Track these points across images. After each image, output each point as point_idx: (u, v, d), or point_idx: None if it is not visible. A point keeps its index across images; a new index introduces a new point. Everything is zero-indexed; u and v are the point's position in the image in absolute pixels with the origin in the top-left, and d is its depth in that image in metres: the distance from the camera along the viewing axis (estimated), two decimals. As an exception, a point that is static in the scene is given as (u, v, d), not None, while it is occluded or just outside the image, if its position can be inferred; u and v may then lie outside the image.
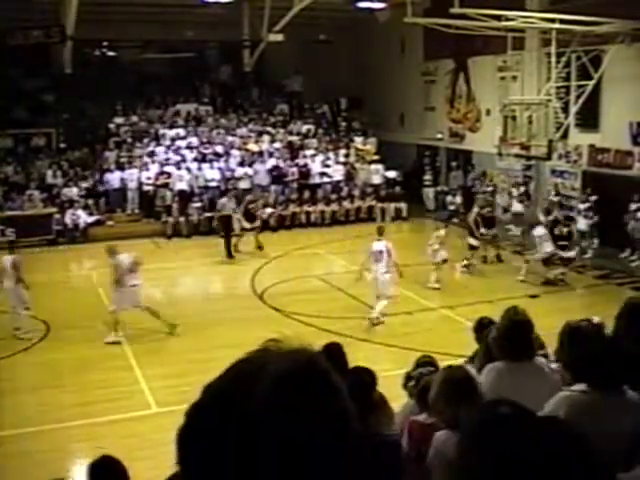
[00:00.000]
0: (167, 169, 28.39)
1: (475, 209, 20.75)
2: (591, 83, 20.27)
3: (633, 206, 20.41)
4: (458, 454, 1.46)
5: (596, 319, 8.57)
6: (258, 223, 24.57)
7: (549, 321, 8.43)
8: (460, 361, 8.02)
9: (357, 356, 7.45)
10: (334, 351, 6.77)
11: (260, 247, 23.83)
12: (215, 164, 28.96)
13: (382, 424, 5.73)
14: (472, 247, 21.02)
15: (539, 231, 19.41)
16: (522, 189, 25.32)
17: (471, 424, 1.50)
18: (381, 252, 16.00)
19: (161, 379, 13.11)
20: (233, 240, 23.48)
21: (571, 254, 19.39)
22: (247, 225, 24.13)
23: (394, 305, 17.31)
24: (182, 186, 27.85)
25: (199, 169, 28.66)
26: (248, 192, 28.04)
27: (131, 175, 27.87)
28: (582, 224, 21.53)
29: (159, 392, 12.43)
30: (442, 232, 19.55)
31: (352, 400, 4.34)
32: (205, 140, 30.46)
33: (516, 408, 1.58)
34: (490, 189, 26.21)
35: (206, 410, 1.30)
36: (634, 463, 3.99)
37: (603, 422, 4.48)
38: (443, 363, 7.89)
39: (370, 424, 5.14)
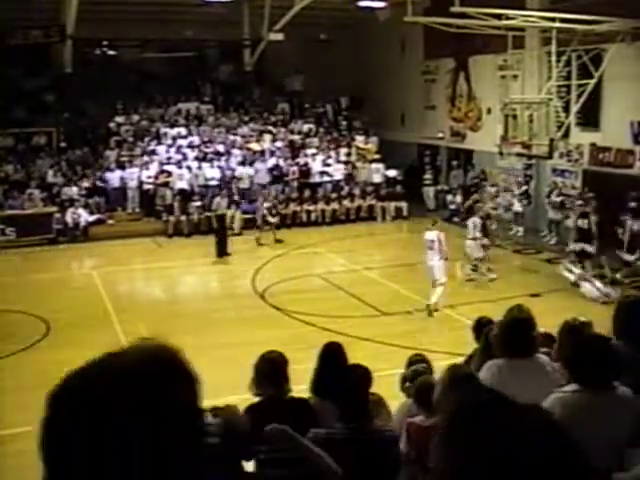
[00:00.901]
0: (167, 168, 28.41)
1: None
2: (592, 82, 20.25)
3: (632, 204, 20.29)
4: (439, 439, 1.45)
5: (582, 318, 8.57)
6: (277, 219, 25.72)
7: (551, 320, 8.42)
8: (460, 360, 8.02)
9: (357, 355, 7.43)
10: (334, 350, 6.76)
11: (279, 240, 24.79)
12: (215, 163, 28.97)
13: (373, 422, 5.76)
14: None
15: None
16: (523, 188, 25.31)
17: (451, 412, 1.50)
18: (432, 241, 16.90)
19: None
20: (256, 234, 24.79)
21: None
22: (272, 219, 25.34)
23: (394, 304, 17.36)
24: (182, 185, 27.86)
25: (199, 168, 28.67)
26: (247, 191, 28.20)
27: (132, 174, 27.90)
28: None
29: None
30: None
31: (347, 397, 4.29)
32: (206, 139, 30.49)
33: (497, 395, 1.57)
34: (494, 190, 26.03)
35: (60, 404, 1.33)
36: (632, 462, 4.00)
37: (596, 421, 4.51)
38: (443, 362, 7.89)
39: (364, 420, 5.16)
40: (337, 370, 6.10)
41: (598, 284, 17.75)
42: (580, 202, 21.01)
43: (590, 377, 4.60)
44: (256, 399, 6.12)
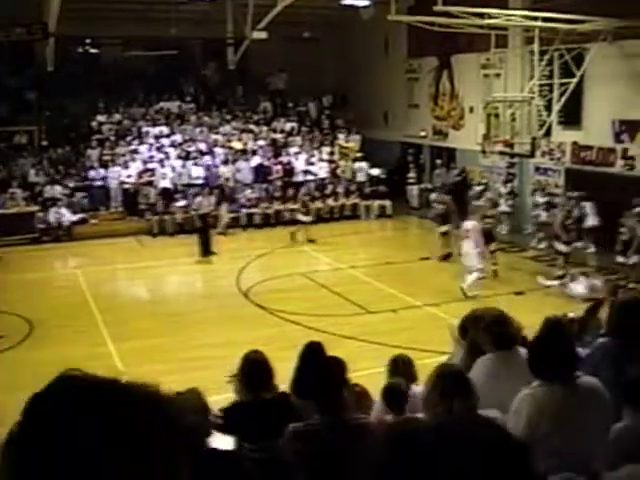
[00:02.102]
0: (151, 167, 28.36)
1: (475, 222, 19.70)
2: (574, 81, 20.35)
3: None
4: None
5: (571, 314, 8.67)
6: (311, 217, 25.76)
7: (534, 318, 8.46)
8: (444, 358, 8.05)
9: (341, 353, 7.42)
10: (314, 350, 6.79)
11: (311, 240, 24.72)
12: (200, 162, 28.95)
13: (351, 411, 5.82)
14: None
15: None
16: (509, 186, 25.40)
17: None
18: (468, 230, 18.06)
19: (147, 378, 13.02)
20: (293, 230, 24.98)
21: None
22: (304, 218, 25.31)
23: (379, 302, 17.41)
24: (166, 184, 27.83)
25: (183, 167, 28.64)
26: (235, 189, 28.22)
27: (114, 173, 27.84)
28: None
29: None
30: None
31: (322, 388, 4.31)
32: (188, 138, 30.44)
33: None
34: (480, 188, 26.05)
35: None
36: (618, 461, 4.04)
37: (564, 415, 4.61)
38: (428, 361, 7.94)
39: (342, 411, 5.23)
40: (318, 369, 6.13)
41: (582, 280, 17.83)
42: (565, 201, 21.16)
43: (548, 371, 4.72)
44: (240, 399, 6.16)
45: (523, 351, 5.91)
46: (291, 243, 24.43)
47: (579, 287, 17.61)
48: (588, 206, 19.68)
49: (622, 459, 1.85)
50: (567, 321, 8.31)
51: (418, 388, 6.83)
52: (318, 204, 28.55)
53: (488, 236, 19.54)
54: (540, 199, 23.21)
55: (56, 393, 1.32)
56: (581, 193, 21.49)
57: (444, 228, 21.86)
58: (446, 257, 21.66)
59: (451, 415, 4.35)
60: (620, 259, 18.61)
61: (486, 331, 6.10)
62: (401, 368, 6.96)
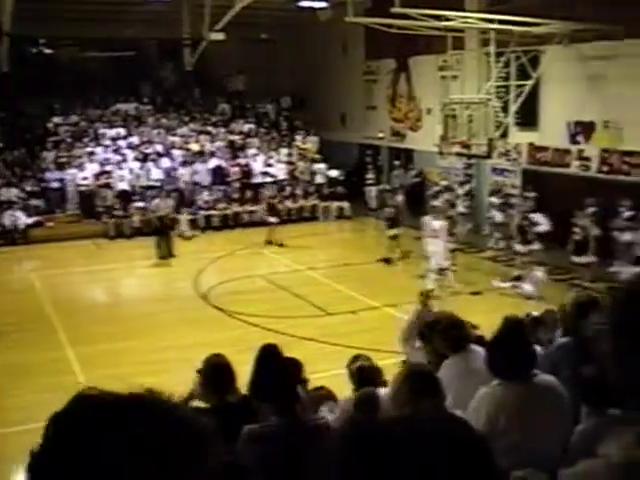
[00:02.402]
0: (108, 169, 28.12)
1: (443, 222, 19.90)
2: (530, 83, 20.53)
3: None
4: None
5: (535, 313, 8.76)
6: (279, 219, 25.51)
7: (491, 317, 8.52)
8: (404, 358, 8.07)
9: (301, 355, 7.42)
10: (271, 352, 6.77)
11: (280, 244, 24.48)
12: (158, 163, 28.78)
13: (309, 412, 5.84)
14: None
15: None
16: (467, 187, 25.56)
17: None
18: (436, 230, 18.63)
19: (106, 382, 12.76)
20: (267, 234, 24.67)
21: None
22: (272, 220, 25.01)
23: (338, 304, 17.43)
24: (124, 186, 27.62)
25: (141, 169, 28.44)
26: (192, 192, 28.10)
27: (71, 175, 27.56)
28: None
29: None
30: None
31: (278, 389, 4.29)
32: (146, 140, 30.24)
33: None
34: (437, 189, 26.25)
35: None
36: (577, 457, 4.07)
37: (523, 412, 4.67)
38: (387, 361, 7.95)
39: (298, 412, 5.23)
40: (274, 371, 6.12)
41: (527, 277, 18.04)
42: (522, 201, 21.36)
43: (507, 370, 4.77)
44: (202, 403, 6.12)
45: (478, 349, 6.02)
46: (250, 245, 24.39)
47: (527, 286, 17.83)
48: (537, 216, 19.83)
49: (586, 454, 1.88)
50: (530, 320, 8.40)
51: (383, 391, 6.86)
52: (277, 205, 28.53)
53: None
54: (496, 200, 23.39)
55: (75, 412, 1.38)
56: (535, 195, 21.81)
57: (393, 232, 21.91)
58: (387, 260, 21.74)
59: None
60: (574, 259, 18.81)
61: (443, 336, 6.29)
62: (367, 375, 6.95)
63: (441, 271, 19.03)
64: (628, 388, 1.77)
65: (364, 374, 6.87)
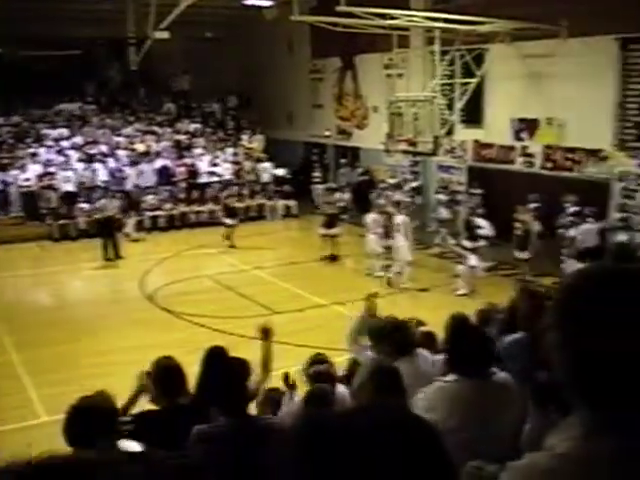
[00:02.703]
0: (53, 170, 27.71)
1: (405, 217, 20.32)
2: (474, 81, 20.68)
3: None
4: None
5: (483, 308, 8.80)
6: (237, 221, 25.11)
7: (439, 314, 8.56)
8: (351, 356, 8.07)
9: (249, 355, 7.36)
10: (217, 354, 6.71)
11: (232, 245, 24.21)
12: (103, 164, 28.43)
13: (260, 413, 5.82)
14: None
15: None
16: (413, 184, 25.72)
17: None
18: (399, 224, 18.86)
19: (52, 386, 12.61)
20: (225, 235, 24.37)
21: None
22: (229, 221, 24.67)
23: (286, 303, 17.40)
24: (68, 187, 27.24)
25: (85, 169, 28.08)
26: (138, 192, 27.84)
27: (13, 177, 27.10)
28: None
29: (50, 400, 11.98)
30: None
31: (227, 390, 4.27)
32: (90, 140, 29.86)
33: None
34: (383, 186, 26.45)
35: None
36: (522, 450, 4.10)
37: (478, 409, 4.68)
38: (337, 359, 7.93)
39: (247, 412, 5.23)
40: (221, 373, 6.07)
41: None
42: (467, 198, 21.55)
43: (466, 367, 4.78)
44: (153, 406, 6.07)
45: (425, 353, 6.06)
46: (196, 246, 24.28)
47: (473, 259, 18.21)
48: (480, 221, 20.00)
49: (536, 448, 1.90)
50: (481, 314, 8.45)
51: (341, 388, 6.86)
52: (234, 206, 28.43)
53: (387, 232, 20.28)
54: (443, 197, 23.57)
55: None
56: (482, 191, 22.07)
57: (332, 231, 21.93)
58: (332, 258, 21.85)
59: None
60: (517, 254, 19.01)
61: (388, 341, 6.36)
62: (325, 380, 6.93)
63: (386, 268, 19.65)
64: (566, 383, 1.78)
65: (321, 378, 6.86)
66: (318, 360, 7.55)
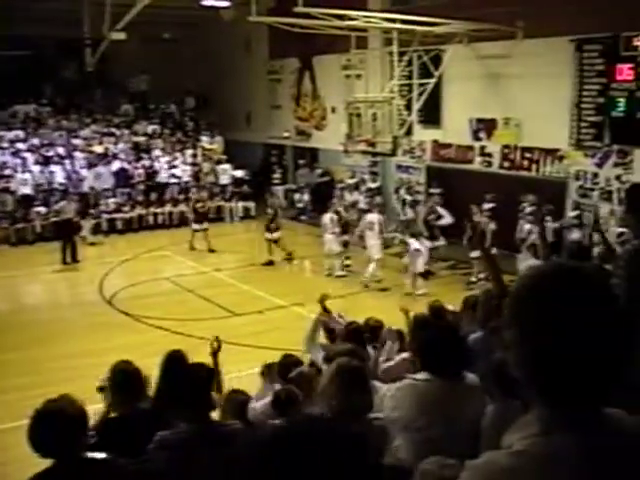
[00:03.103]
0: (7, 173, 27.32)
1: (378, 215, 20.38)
2: (432, 81, 20.79)
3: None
4: None
5: (450, 307, 8.86)
6: (207, 224, 24.52)
7: (400, 314, 8.58)
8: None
9: (209, 357, 7.36)
10: (176, 358, 6.66)
11: (192, 247, 23.92)
12: (60, 167, 28.11)
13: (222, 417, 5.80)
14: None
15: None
16: (372, 185, 25.79)
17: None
18: (372, 222, 19.32)
19: (14, 392, 12.44)
20: (190, 238, 23.91)
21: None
22: (197, 226, 24.15)
23: (246, 304, 17.37)
24: (25, 190, 26.89)
25: (42, 172, 27.75)
26: (96, 195, 27.58)
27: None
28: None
29: (11, 406, 11.78)
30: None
31: (189, 396, 4.28)
32: (47, 142, 29.51)
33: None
34: (341, 186, 26.58)
35: None
36: (480, 449, 4.12)
37: (448, 409, 4.71)
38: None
39: (210, 419, 5.18)
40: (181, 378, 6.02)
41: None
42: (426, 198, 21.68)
43: (441, 367, 4.79)
44: (115, 412, 6.01)
45: (377, 385, 6.00)
46: (151, 249, 24.11)
47: (414, 244, 18.42)
48: (441, 210, 20.25)
49: (494, 445, 1.88)
50: (448, 312, 8.49)
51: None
52: (182, 207, 28.27)
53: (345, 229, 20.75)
54: (409, 197, 23.68)
55: None
56: (441, 190, 22.22)
57: (273, 235, 21.91)
58: (269, 263, 21.78)
59: (349, 408, 4.50)
60: (471, 254, 19.13)
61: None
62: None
63: (345, 267, 20.23)
64: (524, 380, 1.79)
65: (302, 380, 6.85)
66: (294, 362, 7.48)
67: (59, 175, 27.82)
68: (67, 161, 28.67)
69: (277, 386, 6.79)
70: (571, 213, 19.69)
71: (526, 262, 16.31)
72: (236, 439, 5.11)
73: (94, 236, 25.65)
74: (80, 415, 4.37)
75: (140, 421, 5.66)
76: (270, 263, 21.70)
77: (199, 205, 25.11)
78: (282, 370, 7.21)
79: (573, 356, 1.67)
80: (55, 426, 4.17)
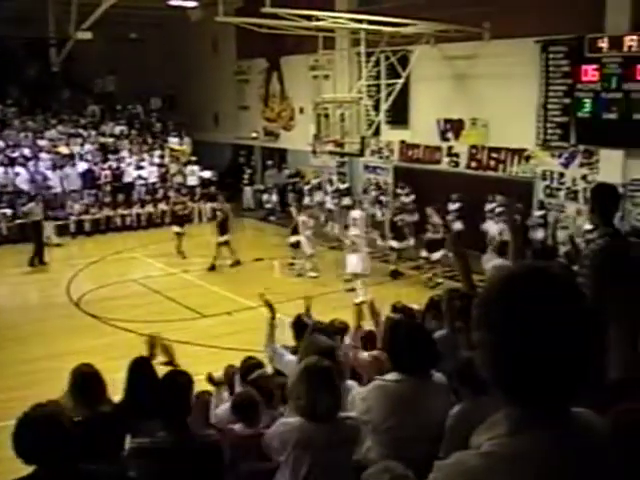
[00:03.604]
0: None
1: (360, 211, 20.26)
2: (400, 82, 20.84)
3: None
4: None
5: (416, 307, 8.91)
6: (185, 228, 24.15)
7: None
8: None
9: (178, 359, 7.33)
10: (142, 365, 6.60)
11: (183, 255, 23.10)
12: (26, 168, 27.81)
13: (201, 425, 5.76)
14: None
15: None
16: (337, 186, 25.83)
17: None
18: (356, 219, 19.03)
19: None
20: (176, 243, 23.18)
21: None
22: (178, 229, 23.56)
23: (214, 306, 17.31)
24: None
25: (6, 173, 27.44)
26: (62, 196, 27.34)
27: None
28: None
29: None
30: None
31: (168, 402, 4.24)
32: (11, 143, 29.19)
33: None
34: (308, 187, 26.63)
35: None
36: (448, 449, 4.14)
37: (416, 409, 4.73)
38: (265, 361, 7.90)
39: (188, 428, 5.07)
40: (148, 384, 5.96)
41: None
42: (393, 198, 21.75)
43: (412, 366, 4.81)
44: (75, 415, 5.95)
45: (348, 384, 5.97)
46: (121, 250, 23.95)
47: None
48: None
49: (462, 444, 1.88)
50: (412, 312, 8.54)
51: None
52: (149, 209, 28.14)
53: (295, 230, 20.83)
54: (383, 198, 23.75)
55: None
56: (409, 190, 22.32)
57: (223, 238, 21.71)
58: (211, 268, 21.57)
59: (317, 408, 4.55)
60: (431, 255, 19.21)
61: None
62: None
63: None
64: (493, 381, 1.79)
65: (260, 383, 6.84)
66: (256, 364, 7.46)
67: (23, 177, 27.48)
68: (31, 162, 28.32)
69: (237, 389, 6.78)
70: (537, 213, 19.85)
71: (491, 262, 16.40)
72: (214, 449, 5.07)
73: (58, 238, 25.40)
74: (67, 422, 4.29)
75: (101, 424, 5.61)
76: (212, 268, 21.47)
77: (178, 207, 25.04)
78: (243, 373, 7.20)
79: (541, 356, 1.68)
80: (42, 432, 4.09)
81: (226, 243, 21.59)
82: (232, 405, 6.07)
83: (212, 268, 21.41)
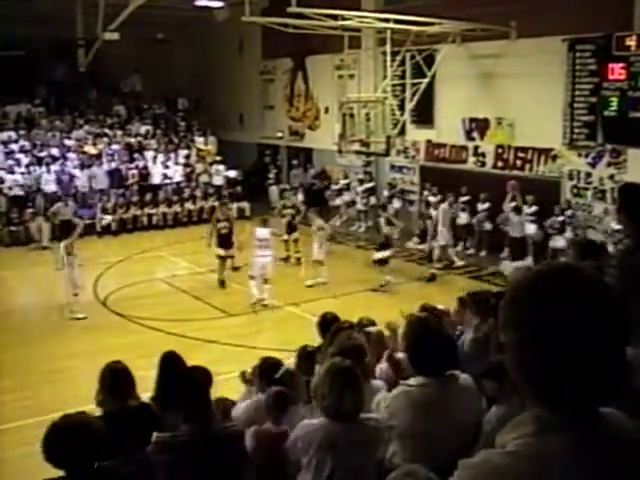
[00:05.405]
0: (1, 174, 27.21)
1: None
2: (425, 81, 20.82)
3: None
4: None
5: (441, 307, 8.86)
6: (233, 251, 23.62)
7: (392, 313, 8.58)
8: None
9: (204, 358, 7.38)
10: (171, 359, 6.68)
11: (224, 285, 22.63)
12: (52, 168, 27.99)
13: (221, 419, 5.81)
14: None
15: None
16: (366, 185, 25.80)
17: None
18: (267, 239, 17.66)
19: (5, 393, 12.40)
20: (218, 269, 21.12)
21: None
22: (222, 252, 19.87)
23: (239, 305, 17.33)
24: (18, 192, 26.79)
25: (31, 172, 27.60)
26: (90, 196, 27.51)
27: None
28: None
29: (4, 407, 11.77)
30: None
31: (189, 399, 4.28)
32: (39, 143, 29.38)
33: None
34: (336, 187, 26.65)
35: None
36: (476, 448, 4.12)
37: (444, 412, 4.70)
38: (290, 360, 7.91)
39: (209, 421, 5.14)
40: (177, 379, 6.05)
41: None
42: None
43: (434, 368, 4.79)
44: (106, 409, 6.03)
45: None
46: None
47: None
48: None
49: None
50: (440, 312, 8.48)
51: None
52: (176, 208, 28.25)
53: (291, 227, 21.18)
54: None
55: None
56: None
57: (293, 236, 21.72)
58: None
59: (341, 408, 4.59)
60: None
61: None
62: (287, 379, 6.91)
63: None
64: (522, 381, 1.78)
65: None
66: (276, 363, 7.45)
67: (51, 176, 27.62)
68: (58, 162, 28.45)
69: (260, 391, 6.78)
70: (557, 218, 19.55)
71: (511, 265, 16.38)
72: (237, 441, 5.13)
73: (88, 236, 25.47)
74: (95, 429, 4.34)
75: (129, 419, 5.69)
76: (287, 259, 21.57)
77: (221, 225, 20.02)
78: (263, 374, 7.19)
79: (571, 356, 1.66)
80: (73, 440, 4.15)
81: (295, 241, 21.58)
82: (266, 404, 6.08)
83: (286, 259, 21.55)
